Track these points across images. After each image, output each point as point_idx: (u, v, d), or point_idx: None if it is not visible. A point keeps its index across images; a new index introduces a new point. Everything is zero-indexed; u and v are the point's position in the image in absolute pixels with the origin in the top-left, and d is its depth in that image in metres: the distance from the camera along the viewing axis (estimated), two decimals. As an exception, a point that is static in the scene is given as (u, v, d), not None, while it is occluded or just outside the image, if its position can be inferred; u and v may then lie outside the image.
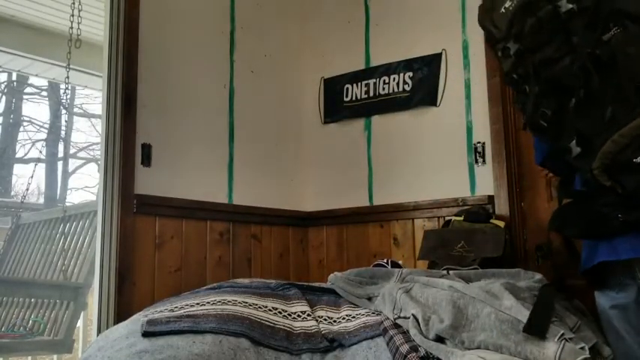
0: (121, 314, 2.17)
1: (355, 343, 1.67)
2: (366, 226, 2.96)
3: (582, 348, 1.37)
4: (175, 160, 2.56)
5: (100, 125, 2.71)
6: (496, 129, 2.60)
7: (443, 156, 2.75)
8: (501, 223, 2.39)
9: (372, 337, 1.66)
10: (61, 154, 11.69)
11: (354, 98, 3.10)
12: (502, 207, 2.53)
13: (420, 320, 1.58)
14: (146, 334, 1.59)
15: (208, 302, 1.81)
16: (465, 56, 2.74)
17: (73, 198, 12.24)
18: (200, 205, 2.62)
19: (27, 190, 4.93)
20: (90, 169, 12.56)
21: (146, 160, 2.43)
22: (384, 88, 2.98)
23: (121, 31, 2.42)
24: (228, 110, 2.86)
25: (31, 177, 4.67)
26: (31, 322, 3.55)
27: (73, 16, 3.21)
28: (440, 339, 1.53)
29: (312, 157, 3.24)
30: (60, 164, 11.78)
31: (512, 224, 2.49)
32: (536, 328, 1.39)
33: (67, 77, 3.44)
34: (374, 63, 3.05)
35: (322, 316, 1.87)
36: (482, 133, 2.64)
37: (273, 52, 3.14)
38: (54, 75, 4.91)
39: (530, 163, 2.45)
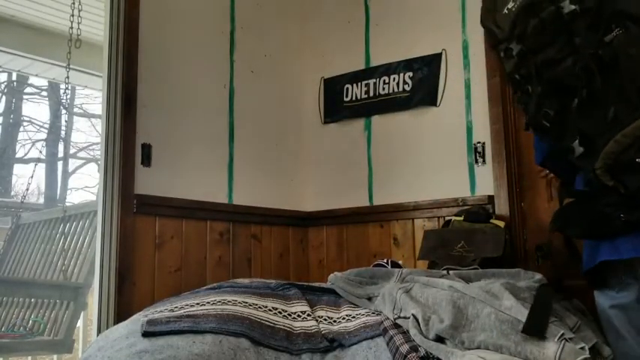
0: (121, 314, 2.17)
1: (355, 343, 1.67)
2: (366, 226, 2.96)
3: (582, 348, 1.37)
4: (175, 160, 2.56)
5: (100, 125, 2.71)
6: (496, 129, 2.60)
7: (443, 156, 2.75)
8: (501, 223, 2.39)
9: (372, 337, 1.66)
10: (61, 154, 11.69)
11: (354, 98, 3.10)
12: (502, 207, 2.53)
13: (420, 320, 1.58)
14: (146, 334, 1.59)
15: (208, 302, 1.81)
16: (465, 56, 2.74)
17: (73, 198, 12.25)
18: (200, 205, 2.62)
19: (27, 190, 4.93)
20: (90, 169, 12.57)
21: (146, 160, 2.43)
22: (384, 88, 2.98)
23: (121, 31, 2.42)
24: (228, 110, 2.86)
25: (31, 177, 4.68)
26: (31, 322, 3.55)
27: (73, 16, 3.21)
28: (440, 339, 1.53)
29: (312, 157, 3.24)
30: (60, 164, 11.79)
31: (512, 224, 2.49)
32: (534, 328, 1.39)
33: (67, 77, 3.44)
34: (374, 63, 3.05)
35: (322, 316, 1.87)
36: (482, 133, 2.64)
37: (273, 52, 3.14)
38: (54, 75, 4.91)
39: (530, 163, 2.45)
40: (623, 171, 1.15)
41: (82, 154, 12.49)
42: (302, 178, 3.21)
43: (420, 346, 1.52)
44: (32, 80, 11.21)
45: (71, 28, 3.20)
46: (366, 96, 3.05)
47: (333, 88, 3.20)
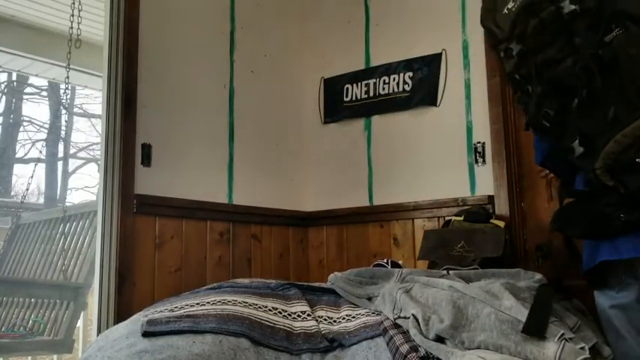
0: (121, 314, 2.17)
1: (355, 343, 1.67)
2: (366, 226, 2.96)
3: (582, 348, 1.37)
4: (175, 160, 2.56)
5: (100, 125, 2.71)
6: (496, 129, 2.60)
7: (443, 156, 2.75)
8: (501, 223, 2.39)
9: (372, 337, 1.66)
10: (61, 154, 11.69)
11: (354, 98, 3.10)
12: (502, 207, 2.53)
13: (420, 320, 1.58)
14: (146, 334, 1.59)
15: (208, 302, 1.81)
16: (465, 56, 2.74)
17: (73, 198, 12.25)
18: (200, 205, 2.62)
19: (27, 190, 4.93)
20: (90, 169, 12.57)
21: (146, 160, 2.43)
22: (384, 88, 2.98)
23: (121, 31, 2.41)
24: (228, 110, 2.86)
25: (31, 177, 4.68)
26: (31, 322, 3.55)
27: (73, 16, 3.21)
28: (440, 339, 1.53)
29: (312, 157, 3.24)
30: (60, 164, 11.78)
31: (512, 224, 2.49)
32: (534, 329, 1.39)
33: (67, 77, 3.44)
34: (374, 63, 3.05)
35: (322, 316, 1.87)
36: (482, 133, 2.64)
37: (273, 52, 3.14)
38: (54, 75, 4.91)
39: (530, 163, 2.45)
40: (623, 171, 1.15)
41: (82, 154, 12.50)
42: (302, 178, 3.21)
43: (420, 346, 1.52)
44: (32, 80, 11.22)
45: (71, 28, 3.20)
46: (366, 96, 3.05)
47: (333, 88, 3.20)
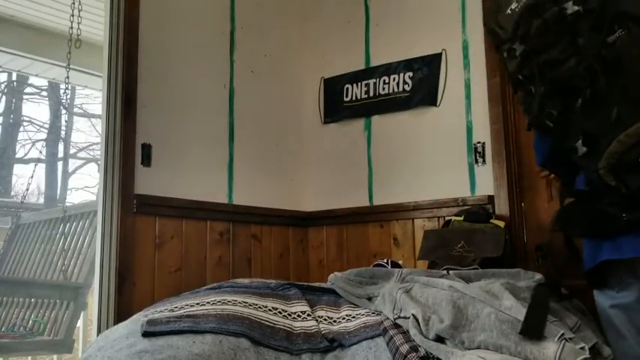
0: (121, 314, 2.17)
1: (355, 343, 1.67)
2: (366, 226, 2.96)
3: (582, 348, 1.37)
4: (175, 160, 2.56)
5: (100, 125, 2.71)
6: (496, 129, 2.60)
7: (443, 156, 2.75)
8: (501, 223, 2.39)
9: (372, 337, 1.66)
10: (61, 154, 11.69)
11: (354, 98, 3.10)
12: (502, 207, 2.53)
13: (420, 320, 1.58)
14: (146, 334, 1.59)
15: (208, 302, 1.81)
16: (465, 56, 2.74)
17: (73, 198, 12.25)
18: (200, 205, 2.62)
19: (27, 190, 4.93)
20: (90, 169, 12.57)
21: (146, 160, 2.43)
22: (384, 88, 2.99)
23: (121, 31, 2.42)
24: (228, 110, 2.86)
25: (31, 177, 4.69)
26: (31, 322, 3.55)
27: (73, 16, 3.21)
28: (440, 339, 1.53)
29: (312, 157, 3.24)
30: (60, 164, 11.78)
31: (512, 224, 2.49)
32: (532, 329, 1.39)
33: (67, 77, 3.44)
34: (374, 63, 3.05)
35: (322, 316, 1.87)
36: (482, 133, 2.64)
37: (273, 52, 3.14)
38: (54, 75, 4.91)
39: (530, 163, 2.45)
40: (626, 171, 1.16)
41: (82, 154, 12.49)
42: (302, 178, 3.21)
43: (420, 346, 1.52)
44: (32, 80, 11.22)
45: (71, 28, 3.20)
46: (366, 96, 3.05)
47: (333, 88, 3.20)
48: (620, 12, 1.15)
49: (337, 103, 3.16)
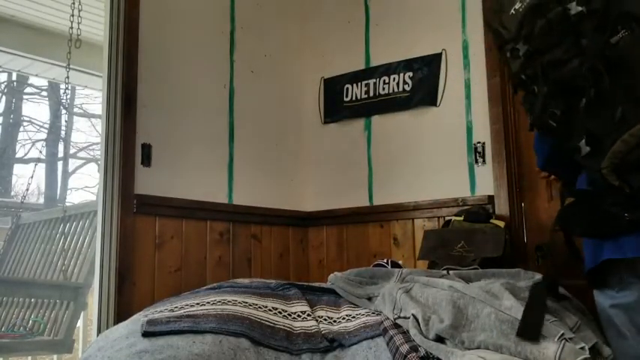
0: (121, 314, 2.17)
1: (355, 343, 1.67)
2: (366, 226, 2.96)
3: (582, 348, 1.37)
4: (175, 160, 2.56)
5: (100, 125, 2.71)
6: (496, 129, 2.60)
7: (443, 156, 2.75)
8: (501, 223, 2.39)
9: (372, 337, 1.66)
10: (61, 154, 11.69)
11: (354, 98, 3.10)
12: (502, 207, 2.53)
13: (420, 320, 1.58)
14: (146, 334, 1.59)
15: (208, 302, 1.81)
16: (465, 56, 2.74)
17: (73, 198, 12.25)
18: (200, 205, 2.62)
19: (27, 190, 4.93)
20: (90, 169, 12.57)
21: (146, 160, 2.43)
22: (384, 88, 2.99)
23: (121, 31, 2.42)
24: (228, 110, 2.86)
25: (31, 177, 4.69)
26: (31, 322, 3.55)
27: (73, 16, 3.21)
28: (440, 339, 1.53)
29: (312, 157, 3.24)
30: (60, 164, 11.78)
31: (512, 224, 2.49)
32: (530, 331, 1.39)
33: (67, 77, 3.44)
34: (374, 63, 3.06)
35: (322, 316, 1.87)
36: (482, 133, 2.64)
37: (273, 52, 3.14)
38: (54, 75, 4.91)
39: (531, 163, 2.45)
40: (629, 171, 1.16)
41: (82, 154, 12.50)
42: (302, 178, 3.21)
43: (420, 346, 1.52)
44: (32, 80, 11.22)
45: (71, 28, 3.20)
46: (366, 96, 3.05)
47: (333, 88, 3.20)
48: (623, 12, 1.16)
49: (337, 103, 3.16)
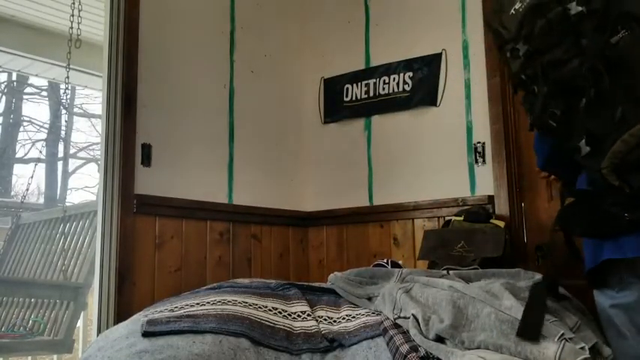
0: (121, 314, 2.17)
1: (355, 343, 1.67)
2: (366, 226, 2.96)
3: (582, 348, 1.37)
4: (175, 160, 2.56)
5: (100, 125, 2.71)
6: (496, 129, 2.60)
7: (443, 156, 2.75)
8: (501, 223, 2.39)
9: (372, 337, 1.66)
10: (61, 154, 11.69)
11: (354, 98, 3.10)
12: (502, 207, 2.53)
13: (420, 320, 1.58)
14: (146, 334, 1.59)
15: (208, 302, 1.81)
16: (465, 56, 2.74)
17: (73, 198, 12.25)
18: (200, 205, 2.62)
19: (27, 190, 4.94)
20: (90, 169, 12.57)
21: (146, 160, 2.43)
22: (384, 88, 2.99)
23: (121, 31, 2.42)
24: (228, 110, 2.86)
25: (31, 177, 4.69)
26: (31, 322, 3.55)
27: (73, 16, 3.21)
28: (440, 339, 1.53)
29: (312, 157, 3.24)
30: (60, 164, 11.78)
31: (512, 224, 2.49)
32: (529, 331, 1.39)
33: (67, 77, 3.44)
34: (374, 63, 3.06)
35: (322, 316, 1.87)
36: (482, 133, 2.64)
37: (273, 52, 3.14)
38: (54, 75, 4.91)
39: (531, 163, 2.45)
40: (630, 170, 1.16)
41: (82, 154, 12.49)
42: (302, 178, 3.21)
43: (420, 346, 1.52)
44: (32, 80, 11.22)
45: (71, 28, 3.20)
46: (366, 96, 3.05)
47: (333, 88, 3.20)
48: (623, 13, 1.16)
49: (337, 103, 3.16)
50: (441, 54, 2.82)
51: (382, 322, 1.71)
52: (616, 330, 1.36)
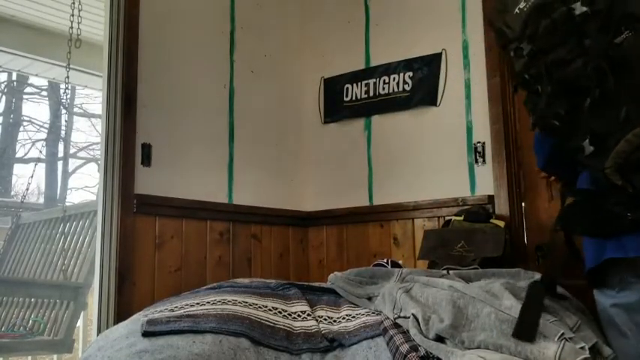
0: (121, 314, 2.17)
1: (355, 343, 1.67)
2: (366, 226, 2.96)
3: (582, 348, 1.37)
4: (175, 160, 2.56)
5: (100, 125, 2.71)
6: (496, 129, 2.60)
7: (443, 156, 2.75)
8: (501, 223, 2.39)
9: (372, 337, 1.66)
10: (61, 154, 11.69)
11: (354, 98, 3.10)
12: (502, 207, 2.53)
13: (420, 320, 1.58)
14: (146, 334, 1.59)
15: (208, 302, 1.81)
16: (465, 56, 2.74)
17: (73, 198, 12.25)
18: (200, 205, 2.62)
19: (27, 190, 4.93)
20: (90, 169, 12.57)
21: (146, 160, 2.43)
22: (384, 88, 2.99)
23: (121, 31, 2.42)
24: (228, 110, 2.86)
25: (31, 177, 4.68)
26: (31, 322, 3.55)
27: (73, 16, 3.21)
28: (440, 339, 1.53)
29: (312, 157, 3.24)
30: (60, 164, 11.78)
31: (512, 224, 2.49)
32: (526, 331, 1.39)
33: (67, 77, 3.44)
34: (374, 63, 3.05)
35: (322, 316, 1.87)
36: (482, 133, 2.64)
37: (273, 52, 3.14)
38: (54, 75, 4.91)
39: (531, 163, 2.45)
40: (633, 170, 1.17)
41: (82, 154, 12.49)
42: (302, 178, 3.21)
43: (420, 346, 1.52)
44: (32, 80, 11.22)
45: (71, 28, 3.20)
46: (366, 96, 3.05)
47: (333, 88, 3.20)
48: (627, 13, 1.16)
49: (337, 103, 3.16)
50: (441, 54, 2.82)
51: (382, 321, 1.71)
52: (617, 329, 1.36)
